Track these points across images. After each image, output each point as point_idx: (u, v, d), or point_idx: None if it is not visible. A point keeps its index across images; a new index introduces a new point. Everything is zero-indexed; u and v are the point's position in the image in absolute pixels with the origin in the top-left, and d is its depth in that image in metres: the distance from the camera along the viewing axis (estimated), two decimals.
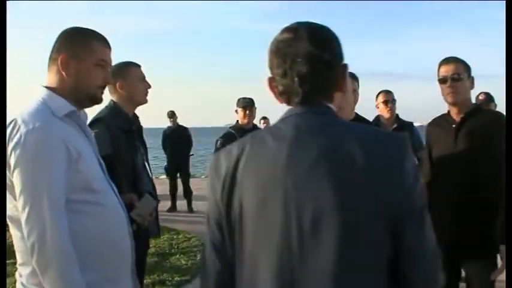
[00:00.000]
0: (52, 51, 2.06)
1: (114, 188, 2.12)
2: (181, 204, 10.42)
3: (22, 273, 1.95)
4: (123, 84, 3.06)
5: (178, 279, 5.72)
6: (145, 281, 4.35)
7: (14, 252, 1.98)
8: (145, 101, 3.22)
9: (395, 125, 4.64)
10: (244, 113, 5.22)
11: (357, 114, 3.11)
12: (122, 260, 2.06)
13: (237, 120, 5.34)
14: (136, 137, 3.18)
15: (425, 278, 1.34)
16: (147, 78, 3.20)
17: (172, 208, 10.32)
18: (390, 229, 1.28)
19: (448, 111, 3.13)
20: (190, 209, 10.35)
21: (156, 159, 17.35)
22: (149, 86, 3.20)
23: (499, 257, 2.89)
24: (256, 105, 5.33)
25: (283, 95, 1.44)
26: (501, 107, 5.10)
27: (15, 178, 1.82)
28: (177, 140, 10.44)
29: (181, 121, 10.78)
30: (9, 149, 1.83)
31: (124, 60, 3.19)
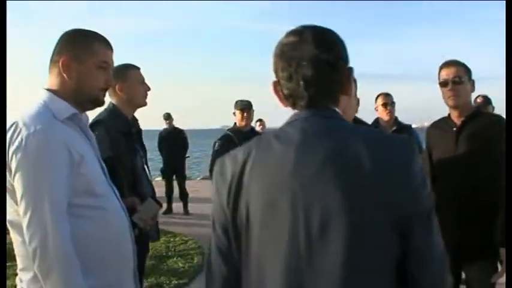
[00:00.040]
0: (53, 53, 2.04)
1: (116, 191, 2.10)
2: (177, 206, 10.39)
3: (23, 279, 1.92)
4: (122, 87, 3.05)
5: (176, 282, 5.68)
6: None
7: (13, 255, 1.95)
8: (145, 104, 3.21)
9: (394, 128, 4.64)
10: (242, 115, 5.22)
11: (355, 117, 3.11)
12: (124, 264, 2.04)
13: (235, 123, 5.33)
14: (135, 139, 3.17)
15: (433, 283, 1.33)
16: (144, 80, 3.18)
17: (168, 210, 10.30)
18: (398, 231, 1.28)
19: (449, 114, 3.14)
20: (186, 212, 10.33)
21: (152, 161, 17.28)
22: (148, 89, 3.19)
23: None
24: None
25: (289, 99, 1.43)
26: (498, 109, 5.12)
27: (16, 182, 1.79)
28: (173, 142, 10.43)
29: (176, 123, 10.78)
30: (10, 152, 1.80)
31: (121, 61, 3.17)
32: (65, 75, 1.99)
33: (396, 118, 4.75)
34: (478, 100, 5.34)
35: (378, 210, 1.26)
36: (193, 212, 10.22)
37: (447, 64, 3.04)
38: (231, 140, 5.20)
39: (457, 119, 3.05)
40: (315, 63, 1.37)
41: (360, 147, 1.29)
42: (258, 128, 9.59)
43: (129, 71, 3.10)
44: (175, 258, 6.54)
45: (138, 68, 3.18)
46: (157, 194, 3.41)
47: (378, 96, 4.77)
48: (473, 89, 3.09)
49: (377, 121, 4.74)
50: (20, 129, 1.81)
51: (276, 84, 1.46)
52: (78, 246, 1.80)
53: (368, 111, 4.79)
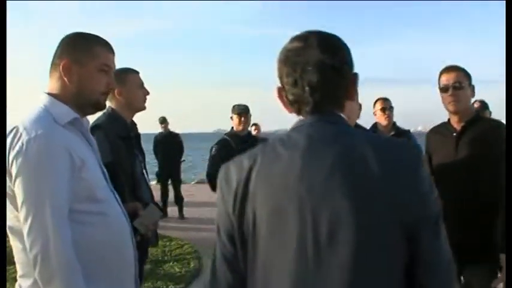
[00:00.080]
0: (54, 57, 2.02)
1: (117, 197, 2.08)
2: (172, 210, 10.36)
3: (22, 286, 1.88)
4: (121, 91, 3.03)
5: (173, 287, 5.67)
6: None
7: (11, 258, 1.93)
8: (144, 108, 3.19)
9: (392, 132, 4.64)
10: (240, 119, 5.21)
11: (355, 123, 3.11)
12: (125, 270, 2.02)
13: (232, 127, 5.32)
14: (134, 144, 3.15)
15: None
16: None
17: (163, 215, 10.25)
18: (406, 235, 1.28)
19: (448, 120, 3.14)
20: (181, 216, 10.30)
21: (147, 165, 17.21)
22: (148, 93, 3.17)
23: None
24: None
25: (294, 105, 1.43)
26: (495, 114, 5.14)
27: (17, 187, 1.77)
28: (169, 146, 10.41)
29: (170, 127, 10.75)
30: (10, 157, 1.77)
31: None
32: (65, 78, 1.96)
33: (395, 123, 4.76)
34: (475, 105, 5.35)
35: (385, 215, 1.26)
36: (188, 216, 10.20)
37: (447, 69, 3.04)
38: (228, 144, 5.19)
39: (457, 124, 3.06)
40: (320, 69, 1.36)
41: (367, 152, 1.29)
42: (253, 132, 9.57)
43: (128, 75, 3.09)
44: (171, 263, 6.52)
45: (137, 72, 3.16)
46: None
47: (376, 101, 4.77)
48: (473, 94, 3.10)
49: (375, 126, 4.74)
50: (21, 134, 1.79)
51: (281, 90, 1.46)
52: (79, 252, 1.78)
53: (367, 115, 4.77)
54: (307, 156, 1.32)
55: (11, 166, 1.77)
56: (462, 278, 3.09)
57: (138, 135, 3.29)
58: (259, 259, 1.36)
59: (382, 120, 4.68)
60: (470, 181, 2.92)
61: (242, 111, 5.22)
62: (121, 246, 2.00)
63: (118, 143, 2.90)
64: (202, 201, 11.36)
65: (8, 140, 1.80)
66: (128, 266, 2.03)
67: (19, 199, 1.76)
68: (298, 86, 1.38)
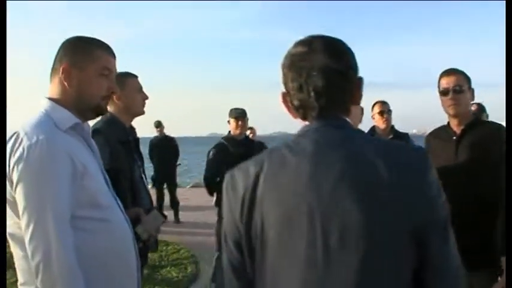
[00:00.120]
0: (54, 61, 1.99)
1: (120, 203, 2.05)
2: (168, 214, 10.27)
3: None
4: (120, 95, 2.99)
5: None
6: None
7: (13, 265, 1.90)
8: (143, 112, 3.16)
9: (390, 136, 4.63)
10: (237, 123, 5.19)
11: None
12: (128, 277, 1.99)
13: (229, 131, 5.30)
14: (133, 148, 3.12)
15: None
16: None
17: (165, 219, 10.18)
18: (415, 239, 1.28)
19: (448, 123, 3.14)
20: (177, 220, 10.26)
21: None
22: (146, 97, 3.14)
23: None
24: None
25: (299, 110, 1.42)
26: (492, 117, 5.14)
27: (18, 194, 1.74)
28: (164, 149, 10.38)
29: (165, 130, 10.73)
30: (11, 163, 1.75)
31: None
32: (65, 83, 1.94)
33: (393, 126, 4.75)
34: (473, 108, 5.35)
35: (395, 219, 1.26)
36: (184, 220, 10.17)
37: (447, 73, 3.04)
38: (226, 148, 5.17)
39: (456, 128, 3.05)
40: (326, 73, 1.35)
41: (375, 157, 1.29)
42: (249, 136, 9.55)
43: (127, 79, 3.06)
44: (168, 268, 6.49)
45: (136, 76, 3.13)
46: None
47: (374, 104, 4.76)
48: (472, 98, 3.10)
49: (373, 129, 4.74)
50: (22, 140, 1.76)
51: (285, 96, 1.45)
52: (81, 259, 1.75)
53: (365, 118, 4.77)
54: (315, 162, 1.31)
55: (12, 172, 1.74)
56: None
57: (137, 140, 3.26)
58: (267, 266, 1.35)
59: (380, 124, 4.67)
60: (470, 184, 2.91)
61: (239, 115, 5.20)
62: (123, 252, 1.98)
63: (118, 147, 2.87)
64: (197, 205, 11.35)
65: (9, 146, 1.77)
66: (130, 273, 2.00)
67: (20, 205, 1.73)
68: (304, 91, 1.37)
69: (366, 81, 1.45)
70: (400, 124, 4.63)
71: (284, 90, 1.45)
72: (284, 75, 1.43)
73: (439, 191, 1.33)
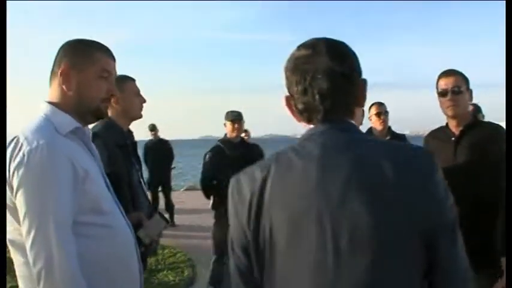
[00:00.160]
0: (53, 64, 1.97)
1: (121, 208, 2.02)
2: None
3: None
4: (118, 99, 2.97)
5: None
6: None
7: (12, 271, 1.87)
8: (141, 116, 3.15)
9: (388, 137, 4.63)
10: (233, 126, 5.19)
11: None
12: (130, 282, 1.96)
13: (225, 134, 5.29)
14: (131, 152, 3.10)
15: None
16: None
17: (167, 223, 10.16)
18: (424, 242, 1.27)
19: (447, 124, 3.14)
20: (172, 223, 10.23)
21: None
22: (144, 101, 3.12)
23: None
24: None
25: (303, 113, 1.41)
26: (488, 118, 5.15)
27: (18, 200, 1.71)
28: (159, 153, 10.36)
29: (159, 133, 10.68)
30: (11, 169, 1.72)
31: None
32: (64, 86, 1.91)
33: (390, 127, 4.75)
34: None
35: (404, 222, 1.25)
36: (179, 223, 10.13)
37: (446, 74, 3.04)
38: (222, 151, 5.17)
39: (455, 129, 3.06)
40: (330, 76, 1.35)
41: (382, 159, 1.29)
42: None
43: (126, 82, 3.03)
44: (165, 272, 6.46)
45: (134, 80, 3.11)
46: None
47: (371, 106, 4.76)
48: (471, 99, 3.11)
49: (370, 131, 4.73)
50: (21, 144, 1.73)
51: (289, 99, 1.44)
52: (84, 266, 1.72)
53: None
54: (322, 166, 1.31)
55: (12, 178, 1.72)
56: None
57: (134, 143, 3.24)
58: (276, 271, 1.33)
59: (377, 125, 4.67)
60: (469, 185, 2.91)
61: (235, 118, 5.20)
62: (126, 258, 1.95)
63: (116, 151, 2.85)
64: (192, 208, 11.32)
65: (8, 151, 1.75)
66: (132, 278, 1.98)
67: (21, 212, 1.70)
68: (308, 94, 1.37)
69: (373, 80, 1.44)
70: (392, 126, 4.63)
71: (287, 93, 1.45)
72: (287, 78, 1.42)
73: (446, 193, 1.32)
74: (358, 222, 1.25)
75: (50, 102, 1.93)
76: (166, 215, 9.57)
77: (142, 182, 3.20)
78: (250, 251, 1.37)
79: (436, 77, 3.09)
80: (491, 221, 2.86)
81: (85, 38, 2.05)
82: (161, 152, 10.38)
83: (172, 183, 11.63)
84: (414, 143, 3.12)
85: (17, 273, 1.84)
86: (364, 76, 1.43)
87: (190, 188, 17.97)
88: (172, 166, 10.94)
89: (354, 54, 1.42)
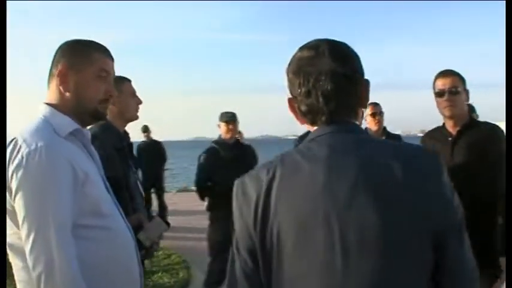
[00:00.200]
0: (51, 65, 1.94)
1: (121, 210, 2.00)
2: None
3: None
4: (114, 100, 2.95)
5: None
6: None
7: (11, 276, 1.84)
8: (137, 117, 3.12)
9: (383, 138, 4.64)
10: (227, 127, 5.17)
11: None
12: (130, 285, 1.93)
13: (220, 135, 5.27)
14: (128, 154, 3.08)
15: None
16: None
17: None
18: (432, 243, 1.27)
19: (443, 124, 3.15)
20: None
21: None
22: (140, 102, 3.10)
23: None
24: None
25: (307, 115, 1.41)
26: (482, 117, 5.16)
27: (17, 203, 1.68)
28: (152, 154, 10.31)
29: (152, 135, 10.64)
30: (10, 171, 1.69)
31: None
32: (61, 87, 1.89)
33: (385, 128, 4.77)
34: None
35: (412, 223, 1.25)
36: (173, 225, 10.03)
37: (443, 74, 3.05)
38: (217, 152, 5.15)
39: (452, 129, 3.06)
40: (334, 78, 1.34)
41: (389, 160, 1.29)
42: None
43: (122, 83, 3.01)
44: (160, 274, 6.43)
45: (130, 81, 3.09)
46: None
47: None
48: (467, 99, 3.11)
49: (365, 131, 4.73)
50: (20, 146, 1.70)
51: (292, 101, 1.44)
52: (84, 270, 1.70)
53: None
54: (329, 167, 1.30)
55: (11, 180, 1.69)
56: None
57: (130, 145, 3.22)
58: (284, 273, 1.32)
59: (373, 126, 4.68)
60: (467, 186, 2.90)
61: (230, 119, 5.18)
62: (126, 260, 1.93)
63: (113, 153, 2.83)
64: (186, 210, 11.29)
65: (7, 153, 1.72)
66: (133, 281, 1.95)
67: (20, 215, 1.67)
68: (312, 96, 1.36)
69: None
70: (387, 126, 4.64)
71: (290, 95, 1.44)
72: (290, 80, 1.42)
73: (453, 194, 1.32)
74: (366, 222, 1.24)
75: (48, 104, 1.90)
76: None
77: (139, 184, 3.19)
78: (257, 253, 1.35)
79: (433, 78, 3.10)
80: (490, 220, 2.87)
81: (83, 38, 2.03)
82: (154, 153, 10.33)
83: (165, 185, 11.61)
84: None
85: (16, 277, 1.81)
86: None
87: (183, 190, 17.93)
88: (165, 168, 10.90)
89: (356, 55, 1.42)
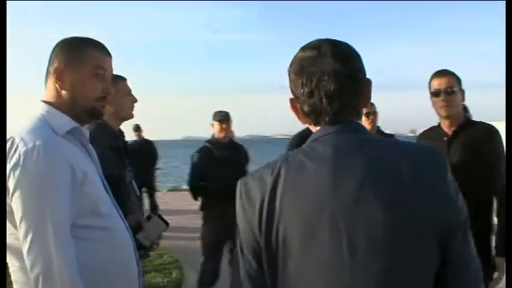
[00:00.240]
0: (48, 63, 1.91)
1: (119, 210, 1.98)
2: None
3: None
4: (109, 99, 2.92)
5: None
6: None
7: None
8: (132, 116, 3.09)
9: None
10: (221, 126, 5.15)
11: None
12: (129, 286, 1.92)
13: (213, 134, 5.25)
14: (123, 153, 3.05)
15: None
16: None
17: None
18: (438, 242, 1.27)
19: (439, 124, 3.16)
20: None
21: None
22: (135, 100, 3.07)
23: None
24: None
25: (310, 115, 1.40)
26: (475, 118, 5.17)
27: (14, 202, 1.65)
28: (143, 153, 10.26)
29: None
30: (7, 170, 1.66)
31: None
32: (57, 85, 1.86)
33: (379, 127, 4.77)
34: None
35: (419, 221, 1.25)
36: None
37: (439, 74, 3.06)
38: (210, 151, 5.13)
39: (448, 129, 3.07)
40: (337, 78, 1.34)
41: (394, 159, 1.29)
42: None
43: (117, 82, 2.98)
44: (152, 273, 6.39)
45: (125, 79, 3.06)
46: None
47: None
48: (463, 99, 3.12)
49: None
50: (17, 145, 1.68)
51: (294, 101, 1.43)
52: (83, 270, 1.68)
53: None
54: (334, 167, 1.29)
55: (8, 179, 1.66)
56: None
57: (125, 144, 3.20)
58: (290, 273, 1.31)
59: (366, 125, 4.66)
60: (462, 185, 2.92)
61: (223, 118, 5.16)
62: (125, 261, 1.91)
63: (108, 153, 2.80)
64: (177, 209, 11.24)
65: None
66: (131, 281, 1.93)
67: (17, 215, 1.65)
68: (315, 96, 1.35)
69: None
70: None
71: (292, 96, 1.43)
72: (293, 81, 1.41)
73: (457, 194, 1.33)
74: (372, 222, 1.24)
75: (46, 102, 1.88)
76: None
77: (134, 184, 3.17)
78: (261, 254, 1.34)
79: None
80: (485, 220, 2.89)
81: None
82: (146, 152, 10.28)
83: (156, 184, 11.56)
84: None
85: (13, 278, 1.78)
86: None
87: (173, 189, 17.87)
88: (157, 167, 10.86)
89: (357, 54, 1.42)
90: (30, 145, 1.67)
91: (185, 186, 5.33)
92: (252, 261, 1.37)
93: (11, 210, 1.67)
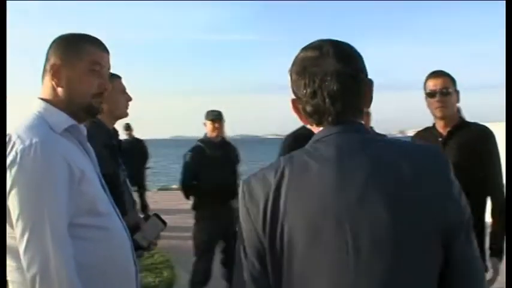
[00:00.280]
0: (45, 61, 1.88)
1: (117, 209, 1.95)
2: None
3: None
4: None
5: None
6: None
7: None
8: (127, 114, 3.07)
9: None
10: (213, 126, 5.13)
11: None
12: (126, 285, 1.90)
13: (205, 133, 5.24)
14: (117, 152, 3.03)
15: None
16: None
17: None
18: (442, 242, 1.27)
19: (434, 124, 3.16)
20: None
21: None
22: (130, 99, 3.04)
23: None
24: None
25: (313, 116, 1.39)
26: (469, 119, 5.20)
27: (11, 201, 1.62)
28: (134, 152, 10.21)
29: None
30: None
31: None
32: (53, 82, 1.83)
33: (372, 128, 4.77)
34: None
35: (423, 221, 1.25)
36: None
37: (434, 75, 3.06)
38: (202, 150, 5.11)
39: (442, 129, 3.08)
40: (339, 78, 1.34)
41: (397, 159, 1.29)
42: None
43: (112, 80, 2.96)
44: (144, 273, 6.34)
45: (120, 77, 3.03)
46: None
47: None
48: (458, 100, 3.13)
49: None
50: (14, 143, 1.65)
51: (296, 102, 1.43)
52: (81, 270, 1.65)
53: None
54: (338, 167, 1.29)
55: None
56: None
57: (120, 143, 3.17)
58: (294, 273, 1.30)
59: None
60: None
61: (216, 117, 5.14)
62: (122, 261, 1.89)
63: (103, 152, 2.77)
64: (167, 209, 11.18)
65: None
66: (129, 281, 1.92)
67: (14, 213, 1.62)
68: (318, 96, 1.35)
69: None
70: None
71: (293, 96, 1.43)
72: (295, 81, 1.40)
73: (460, 193, 1.32)
74: (377, 222, 1.24)
75: (43, 99, 1.85)
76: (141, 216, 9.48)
77: (128, 183, 3.14)
78: (265, 255, 1.34)
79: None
80: (480, 220, 2.90)
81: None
82: (136, 151, 10.24)
83: (146, 183, 11.52)
84: None
85: (9, 278, 1.75)
86: None
87: (163, 188, 17.82)
88: (148, 166, 10.82)
89: (359, 55, 1.42)
90: (27, 143, 1.65)
91: (175, 186, 5.29)
92: (255, 262, 1.36)
93: (8, 209, 1.64)
